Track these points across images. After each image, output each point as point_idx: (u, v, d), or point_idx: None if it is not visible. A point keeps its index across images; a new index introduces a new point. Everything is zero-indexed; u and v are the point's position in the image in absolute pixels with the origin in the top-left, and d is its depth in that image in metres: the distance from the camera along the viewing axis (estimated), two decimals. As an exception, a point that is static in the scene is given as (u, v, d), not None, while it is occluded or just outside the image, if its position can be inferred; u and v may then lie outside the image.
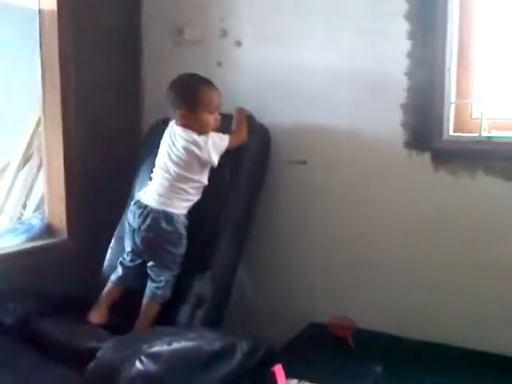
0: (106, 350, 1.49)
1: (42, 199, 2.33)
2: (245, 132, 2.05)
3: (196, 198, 1.95)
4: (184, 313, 1.83)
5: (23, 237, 2.16)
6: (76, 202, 2.20)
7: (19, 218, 2.40)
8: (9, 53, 2.69)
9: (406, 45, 1.96)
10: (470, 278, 1.93)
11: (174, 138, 1.96)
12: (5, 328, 1.78)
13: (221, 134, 1.98)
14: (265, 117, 2.15)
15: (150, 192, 1.94)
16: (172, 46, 2.40)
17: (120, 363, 1.40)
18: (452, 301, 1.95)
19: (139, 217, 1.91)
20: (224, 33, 2.28)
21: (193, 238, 1.92)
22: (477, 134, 1.90)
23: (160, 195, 1.91)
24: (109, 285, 1.96)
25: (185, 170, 1.91)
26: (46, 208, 2.25)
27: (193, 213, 1.94)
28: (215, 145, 1.94)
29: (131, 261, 1.96)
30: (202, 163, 1.93)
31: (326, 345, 1.95)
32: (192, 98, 1.95)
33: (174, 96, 1.98)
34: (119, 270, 1.97)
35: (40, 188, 2.37)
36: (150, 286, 1.90)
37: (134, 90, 2.46)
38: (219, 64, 2.29)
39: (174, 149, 1.94)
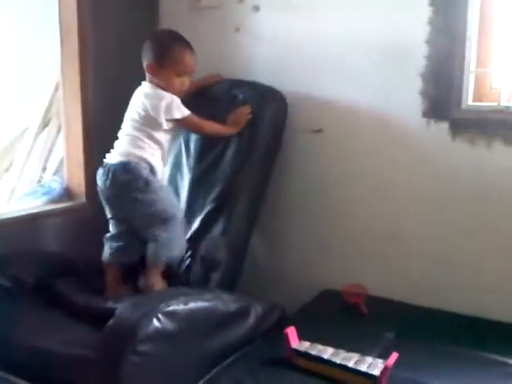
0: (125, 308, 1.53)
1: (61, 162, 2.36)
2: (234, 130, 2.01)
3: (157, 150, 1.90)
4: (199, 276, 1.86)
5: (43, 199, 2.20)
6: (94, 167, 2.21)
7: (39, 181, 2.43)
8: (28, 17, 2.70)
9: (427, 11, 1.93)
10: (483, 247, 1.94)
11: (138, 93, 1.95)
12: (25, 288, 1.83)
13: (181, 106, 1.91)
14: (281, 84, 2.14)
15: (111, 151, 1.94)
16: (189, 12, 2.38)
17: (138, 321, 1.44)
18: (465, 270, 1.96)
19: (103, 178, 1.89)
20: (242, -3, 2.26)
21: (208, 202, 1.94)
22: (495, 104, 1.88)
23: (117, 150, 1.91)
24: (104, 265, 1.93)
25: (138, 121, 1.89)
26: (64, 172, 2.29)
27: (207, 177, 1.96)
28: (169, 107, 1.87)
29: (114, 231, 1.94)
30: (151, 118, 1.88)
31: (338, 311, 1.98)
32: (162, 52, 1.91)
33: (146, 46, 1.95)
34: (106, 248, 1.94)
35: (59, 151, 2.40)
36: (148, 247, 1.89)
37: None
38: (237, 30, 2.28)
39: (134, 102, 1.94)
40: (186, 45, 1.95)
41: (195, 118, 1.95)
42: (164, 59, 1.89)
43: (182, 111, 1.91)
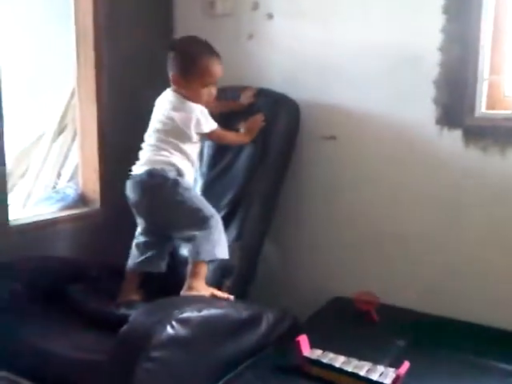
0: (139, 314, 1.54)
1: (76, 169, 2.39)
2: (248, 138, 2.01)
3: (184, 160, 1.87)
4: (212, 282, 1.86)
5: (58, 205, 2.23)
6: (109, 173, 2.25)
7: (54, 187, 2.46)
8: (45, 24, 2.73)
9: (440, 19, 1.93)
10: (496, 256, 1.93)
11: (163, 102, 1.92)
12: (39, 293, 1.84)
13: (209, 118, 1.90)
14: (295, 92, 2.15)
15: (136, 163, 1.93)
16: (203, 18, 2.40)
17: (151, 327, 1.45)
18: (477, 278, 1.96)
19: (133, 189, 1.88)
20: (255, 5, 2.27)
21: (220, 207, 1.95)
22: (509, 112, 1.88)
23: (142, 160, 1.90)
24: (127, 272, 1.91)
25: (164, 133, 1.87)
26: (79, 178, 2.31)
27: (219, 183, 1.98)
28: (199, 121, 1.86)
29: (147, 239, 1.92)
30: (180, 130, 1.86)
31: (350, 318, 1.97)
32: (188, 64, 1.85)
33: (171, 57, 1.89)
34: (136, 255, 1.92)
35: (74, 158, 2.43)
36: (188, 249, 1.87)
37: (166, 64, 2.47)
38: (250, 37, 2.30)
39: (159, 113, 1.91)
40: (212, 53, 1.89)
41: (221, 131, 1.96)
42: (190, 72, 1.85)
43: (210, 124, 1.90)
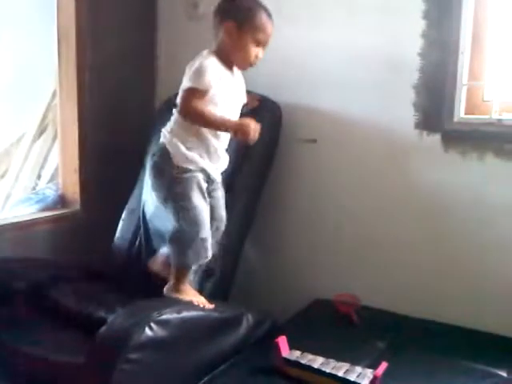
0: (117, 316, 1.53)
1: (56, 170, 2.37)
2: (232, 127, 1.70)
3: (180, 137, 1.69)
4: (192, 285, 1.86)
5: (37, 206, 2.21)
6: (89, 174, 2.24)
7: (33, 188, 2.44)
8: (26, 24, 2.71)
9: (420, 25, 1.95)
10: (474, 258, 1.95)
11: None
12: (18, 294, 1.82)
13: (206, 76, 1.65)
14: (277, 94, 2.16)
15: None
16: (187, 20, 2.40)
17: (130, 329, 1.44)
18: (455, 281, 1.98)
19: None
20: (239, 8, 2.28)
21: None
22: (487, 116, 1.90)
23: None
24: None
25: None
26: (59, 179, 2.30)
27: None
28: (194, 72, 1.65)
29: None
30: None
31: (330, 320, 1.98)
32: (247, 14, 1.72)
33: (225, 4, 1.76)
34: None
35: (55, 159, 2.41)
36: None
37: (149, 64, 2.48)
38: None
39: None
40: (270, 14, 1.78)
41: (197, 99, 1.64)
42: (247, 22, 1.71)
43: (196, 82, 1.64)
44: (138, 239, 2.06)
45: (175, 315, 1.54)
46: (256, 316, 1.84)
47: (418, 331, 1.90)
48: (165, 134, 1.75)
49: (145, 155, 2.18)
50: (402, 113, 2.01)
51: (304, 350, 1.62)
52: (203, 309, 1.68)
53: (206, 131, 1.71)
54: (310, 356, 1.59)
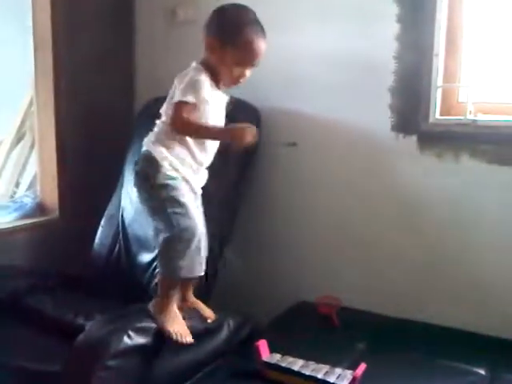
0: (95, 323, 1.53)
1: (34, 178, 2.35)
2: (225, 136, 1.65)
3: (165, 143, 1.62)
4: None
5: (15, 214, 2.19)
6: (68, 182, 2.22)
7: (12, 196, 2.42)
8: (2, 32, 2.69)
9: (395, 28, 1.98)
10: (451, 258, 1.97)
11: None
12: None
13: (196, 91, 1.56)
14: (256, 99, 2.16)
15: None
16: (165, 26, 2.41)
17: (108, 336, 1.44)
18: (435, 281, 2.00)
19: None
20: (217, 13, 2.29)
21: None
22: (462, 117, 1.93)
23: None
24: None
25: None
26: (38, 187, 2.28)
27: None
28: (187, 84, 1.56)
29: None
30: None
31: (311, 322, 1.99)
32: (230, 29, 1.59)
33: (212, 18, 1.64)
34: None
35: (33, 167, 2.39)
36: None
37: (127, 70, 2.47)
38: (212, 45, 2.30)
39: None
40: (260, 29, 1.62)
41: (191, 112, 1.57)
42: (229, 39, 1.58)
43: (186, 96, 1.56)
44: (118, 245, 2.05)
45: (153, 323, 1.53)
46: (237, 320, 1.84)
47: (398, 331, 1.92)
48: (148, 144, 1.67)
49: (124, 161, 2.18)
50: (378, 115, 2.03)
51: (285, 352, 1.63)
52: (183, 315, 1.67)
53: (192, 143, 1.64)
54: (290, 359, 1.60)
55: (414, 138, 1.98)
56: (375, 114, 2.04)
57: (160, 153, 1.62)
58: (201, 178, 1.76)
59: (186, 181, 1.66)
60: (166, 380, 1.58)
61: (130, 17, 2.46)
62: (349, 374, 1.51)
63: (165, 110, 1.66)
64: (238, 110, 2.06)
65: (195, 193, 1.73)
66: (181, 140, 1.63)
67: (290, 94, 2.18)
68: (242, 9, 1.66)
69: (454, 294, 1.97)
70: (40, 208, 2.24)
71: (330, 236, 2.17)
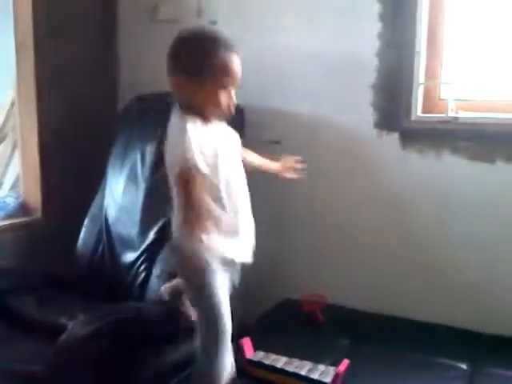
0: (77, 323, 1.52)
1: (17, 178, 2.34)
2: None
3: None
4: (156, 289, 1.85)
5: (-2, 215, 2.17)
6: (51, 182, 2.21)
7: (-5, 196, 2.40)
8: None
9: (376, 26, 1.99)
10: (432, 255, 1.99)
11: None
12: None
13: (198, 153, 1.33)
14: (239, 96, 2.15)
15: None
16: (147, 25, 2.40)
17: (89, 336, 1.43)
18: (418, 277, 2.01)
19: None
20: (200, 12, 2.29)
21: (163, 213, 1.94)
22: (443, 115, 1.94)
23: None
24: None
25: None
26: (21, 187, 2.26)
27: (162, 188, 1.95)
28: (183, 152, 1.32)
29: None
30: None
31: (296, 320, 1.99)
32: (201, 60, 1.38)
33: (174, 55, 1.41)
34: None
35: (16, 167, 2.37)
36: None
37: (110, 69, 2.46)
38: (194, 44, 2.30)
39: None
40: (229, 46, 1.42)
41: (196, 181, 1.32)
42: (203, 71, 1.37)
43: (188, 160, 1.32)
44: (101, 245, 2.04)
45: (135, 321, 1.53)
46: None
47: (381, 328, 1.93)
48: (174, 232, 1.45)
49: (107, 161, 2.17)
50: (361, 113, 2.04)
51: (270, 350, 1.63)
52: (164, 313, 1.66)
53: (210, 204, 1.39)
54: (274, 356, 1.61)
55: (396, 135, 2.00)
56: (358, 112, 2.05)
57: (183, 240, 1.37)
58: (243, 240, 1.50)
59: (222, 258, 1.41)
60: (149, 380, 1.58)
61: (113, 15, 2.45)
62: (332, 370, 1.52)
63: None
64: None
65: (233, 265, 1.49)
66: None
67: (274, 92, 2.18)
68: (201, 33, 1.47)
69: (439, 290, 1.98)
70: (23, 208, 2.23)
71: (314, 234, 2.18)
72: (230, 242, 1.43)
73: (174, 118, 1.41)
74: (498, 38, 1.94)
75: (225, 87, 1.40)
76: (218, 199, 1.41)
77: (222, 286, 1.44)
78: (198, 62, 1.38)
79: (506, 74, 1.93)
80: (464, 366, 1.69)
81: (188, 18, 2.31)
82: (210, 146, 1.38)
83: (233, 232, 1.45)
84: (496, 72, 1.95)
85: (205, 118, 1.41)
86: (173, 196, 1.42)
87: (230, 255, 1.44)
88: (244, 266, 1.58)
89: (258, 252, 2.26)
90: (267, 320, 2.01)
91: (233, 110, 1.45)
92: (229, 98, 1.43)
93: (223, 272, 1.43)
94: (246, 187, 1.54)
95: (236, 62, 1.42)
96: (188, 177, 1.31)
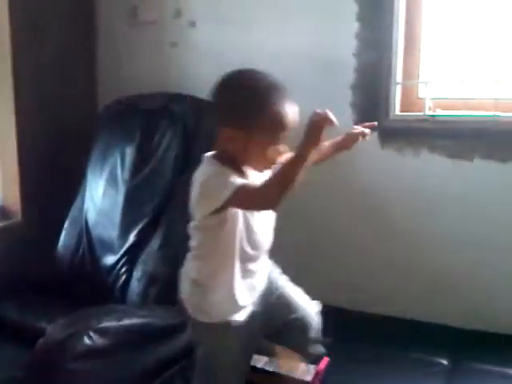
0: (55, 326, 1.51)
1: (-4, 181, 2.31)
2: (305, 152, 1.20)
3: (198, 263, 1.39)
4: (137, 291, 1.85)
5: (-24, 219, 2.15)
6: (30, 185, 2.19)
7: (-26, 201, 2.37)
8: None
9: (354, 26, 2.00)
10: (411, 252, 2.00)
11: None
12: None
13: (227, 178, 1.19)
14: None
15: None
16: (126, 26, 2.39)
17: (68, 339, 1.43)
18: (397, 274, 2.03)
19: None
20: (178, 13, 2.28)
21: (143, 215, 1.94)
22: (421, 113, 1.96)
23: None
24: None
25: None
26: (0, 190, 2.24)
27: (142, 190, 1.95)
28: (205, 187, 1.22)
29: None
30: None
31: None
32: (253, 109, 1.22)
33: (221, 103, 1.28)
34: None
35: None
36: None
37: (89, 72, 2.45)
38: (174, 45, 2.30)
39: None
40: (282, 93, 1.28)
41: (248, 187, 1.20)
42: (254, 122, 1.21)
43: (225, 189, 1.17)
44: (82, 247, 2.03)
45: (115, 323, 1.53)
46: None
47: (364, 325, 1.95)
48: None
49: (87, 163, 2.16)
50: (340, 112, 1.97)
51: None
52: (147, 316, 1.66)
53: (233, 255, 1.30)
54: (255, 356, 1.60)
55: (374, 134, 2.01)
56: (336, 111, 1.99)
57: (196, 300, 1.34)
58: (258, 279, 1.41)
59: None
60: (132, 381, 1.57)
61: (91, 17, 2.43)
62: (312, 368, 1.52)
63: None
64: (203, 111, 2.07)
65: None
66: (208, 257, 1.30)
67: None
68: (252, 77, 1.29)
69: (419, 288, 2.00)
70: (2, 212, 2.20)
71: (296, 230, 2.17)
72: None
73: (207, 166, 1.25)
74: (474, 38, 1.96)
75: (275, 140, 1.24)
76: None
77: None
78: (251, 114, 1.22)
79: (483, 73, 1.95)
80: (445, 362, 1.71)
81: (167, 19, 2.31)
82: None
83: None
84: (472, 71, 1.97)
85: (239, 169, 1.26)
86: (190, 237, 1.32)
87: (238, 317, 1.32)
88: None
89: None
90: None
91: (275, 162, 1.27)
92: (276, 151, 1.25)
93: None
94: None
95: (292, 112, 1.26)
96: (241, 197, 1.18)
